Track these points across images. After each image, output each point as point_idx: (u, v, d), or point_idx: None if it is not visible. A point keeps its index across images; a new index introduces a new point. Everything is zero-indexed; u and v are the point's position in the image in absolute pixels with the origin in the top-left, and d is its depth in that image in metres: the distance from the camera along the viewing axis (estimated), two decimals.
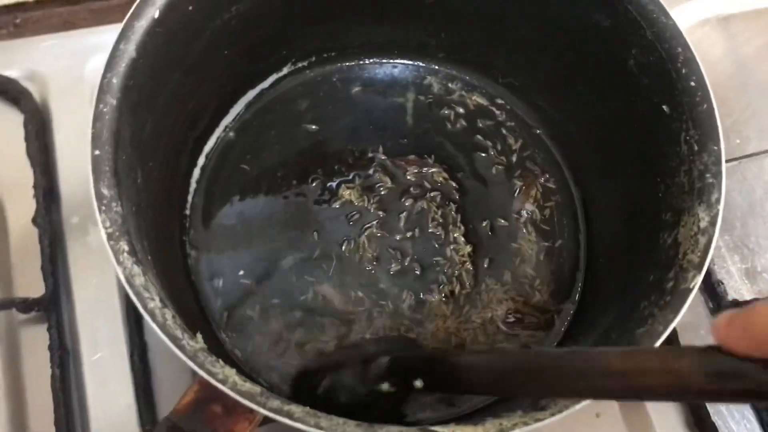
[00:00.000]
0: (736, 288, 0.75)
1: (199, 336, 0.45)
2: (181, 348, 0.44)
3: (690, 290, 0.47)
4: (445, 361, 0.50)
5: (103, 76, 0.50)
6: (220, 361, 0.44)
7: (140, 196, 0.54)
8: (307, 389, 0.57)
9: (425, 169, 0.70)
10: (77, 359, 0.63)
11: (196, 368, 0.43)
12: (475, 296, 0.65)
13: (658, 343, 0.46)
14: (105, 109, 0.49)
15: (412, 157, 0.71)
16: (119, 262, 0.45)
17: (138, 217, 0.52)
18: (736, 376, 0.29)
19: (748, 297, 0.75)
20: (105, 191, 0.47)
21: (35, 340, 0.64)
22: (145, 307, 0.44)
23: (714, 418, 0.65)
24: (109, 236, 0.46)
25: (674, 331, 0.50)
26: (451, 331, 0.64)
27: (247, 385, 0.43)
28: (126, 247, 0.46)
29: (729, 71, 0.89)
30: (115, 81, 0.50)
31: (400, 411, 0.58)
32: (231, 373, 0.44)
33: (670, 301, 0.48)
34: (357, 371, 0.53)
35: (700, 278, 0.48)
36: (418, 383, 0.48)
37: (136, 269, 0.45)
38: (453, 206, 0.68)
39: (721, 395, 0.31)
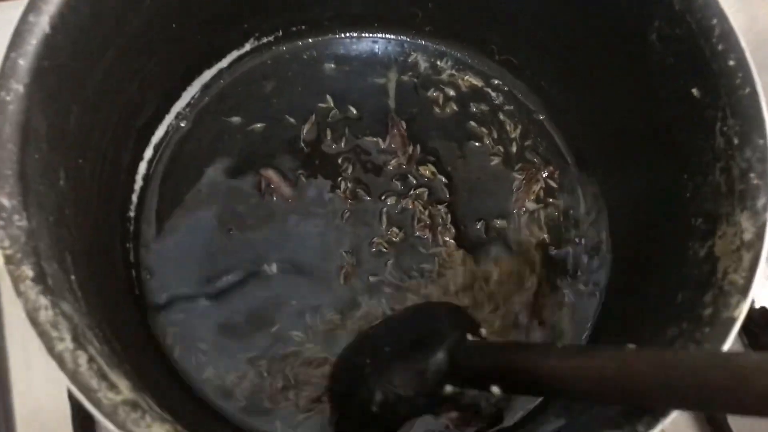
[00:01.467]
0: (764, 295, 0.67)
1: (123, 383, 0.36)
2: (96, 403, 0.35)
3: (734, 319, 0.38)
4: (527, 367, 0.40)
5: (6, 57, 0.40)
6: (147, 417, 0.35)
7: (63, 200, 0.45)
8: (359, 411, 0.49)
9: (411, 162, 0.60)
10: (5, 386, 0.56)
11: (114, 429, 0.34)
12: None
13: None
14: (8, 98, 0.40)
15: (396, 131, 0.61)
16: (20, 293, 0.36)
17: (59, 227, 0.43)
18: None
19: None
20: (5, 201, 0.38)
21: None
22: (51, 351, 0.35)
23: None
24: (8, 259, 0.37)
25: None
26: None
27: None
28: (30, 273, 0.37)
29: (750, 46, 0.80)
30: (23, 62, 0.41)
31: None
32: None
33: (709, 334, 0.39)
34: (409, 375, 0.45)
35: (746, 305, 0.38)
36: (496, 389, 0.41)
37: (43, 300, 0.36)
38: (442, 205, 0.59)
39: None
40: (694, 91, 0.46)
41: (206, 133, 0.61)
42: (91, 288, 0.45)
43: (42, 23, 0.42)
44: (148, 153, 0.59)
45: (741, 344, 0.61)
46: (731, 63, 0.44)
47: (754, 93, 0.43)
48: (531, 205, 0.60)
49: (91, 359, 0.36)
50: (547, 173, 0.61)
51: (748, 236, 0.41)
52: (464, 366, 0.44)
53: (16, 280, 0.36)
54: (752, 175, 0.42)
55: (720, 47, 0.45)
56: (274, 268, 0.56)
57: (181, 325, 0.55)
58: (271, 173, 0.59)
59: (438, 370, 0.44)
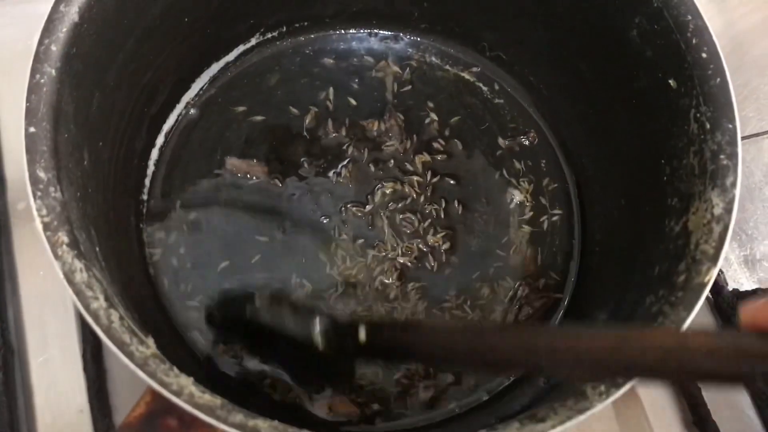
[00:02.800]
0: (735, 277, 0.71)
1: (150, 340, 0.40)
2: (129, 355, 0.38)
3: (704, 285, 0.43)
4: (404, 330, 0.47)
5: (40, 43, 0.44)
6: (175, 368, 0.38)
7: (87, 179, 0.48)
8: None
9: (408, 152, 0.64)
10: (23, 360, 0.57)
11: (146, 378, 0.38)
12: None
13: None
14: (42, 80, 0.43)
15: (393, 122, 0.65)
16: (57, 256, 0.39)
17: (84, 202, 0.46)
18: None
19: (747, 286, 0.71)
20: (41, 174, 0.41)
21: None
22: (87, 308, 0.39)
23: (714, 417, 0.61)
24: (46, 226, 0.40)
25: None
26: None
27: (206, 397, 0.38)
28: (65, 239, 0.40)
29: (726, 49, 0.84)
30: (54, 48, 0.44)
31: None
32: (187, 382, 0.38)
33: (682, 297, 0.43)
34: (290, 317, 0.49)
35: (715, 271, 0.43)
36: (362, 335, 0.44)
37: (78, 264, 0.40)
38: (436, 193, 0.63)
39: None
40: (671, 81, 0.51)
41: (213, 122, 0.64)
42: (111, 262, 0.48)
43: (71, 13, 0.45)
44: (160, 140, 0.62)
45: (714, 323, 0.65)
46: (704, 55, 0.48)
47: (724, 82, 0.47)
48: (519, 192, 0.64)
49: (121, 317, 0.39)
50: (535, 161, 0.65)
51: (718, 211, 0.45)
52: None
53: (53, 245, 0.39)
54: (722, 156, 0.46)
55: (694, 41, 0.49)
56: (276, 240, 0.60)
57: (195, 306, 0.58)
58: (234, 161, 0.62)
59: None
